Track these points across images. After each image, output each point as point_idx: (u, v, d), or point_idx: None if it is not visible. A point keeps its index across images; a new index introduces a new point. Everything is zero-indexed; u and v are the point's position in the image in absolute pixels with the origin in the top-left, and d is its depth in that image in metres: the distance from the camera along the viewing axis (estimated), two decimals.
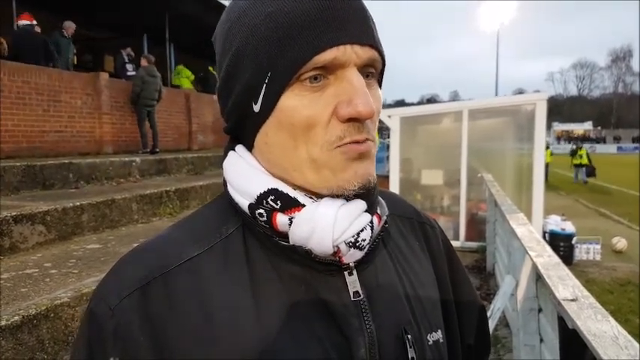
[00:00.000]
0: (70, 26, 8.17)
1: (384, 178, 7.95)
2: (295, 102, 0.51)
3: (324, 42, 0.50)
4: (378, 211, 0.60)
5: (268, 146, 0.55)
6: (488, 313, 3.33)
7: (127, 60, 9.55)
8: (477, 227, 7.48)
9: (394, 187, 7.84)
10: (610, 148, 57.72)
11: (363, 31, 0.52)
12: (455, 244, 7.49)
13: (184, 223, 0.61)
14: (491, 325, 3.25)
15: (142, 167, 6.49)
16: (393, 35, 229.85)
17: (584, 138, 59.30)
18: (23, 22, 7.28)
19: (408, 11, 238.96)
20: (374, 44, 0.53)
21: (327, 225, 0.52)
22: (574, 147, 21.95)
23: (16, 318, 2.17)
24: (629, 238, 8.25)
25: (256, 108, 0.53)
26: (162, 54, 11.92)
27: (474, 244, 7.31)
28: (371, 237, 0.56)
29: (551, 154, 21.34)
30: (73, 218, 3.97)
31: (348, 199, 0.54)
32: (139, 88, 7.81)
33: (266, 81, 0.52)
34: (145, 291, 0.51)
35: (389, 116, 7.85)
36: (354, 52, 0.51)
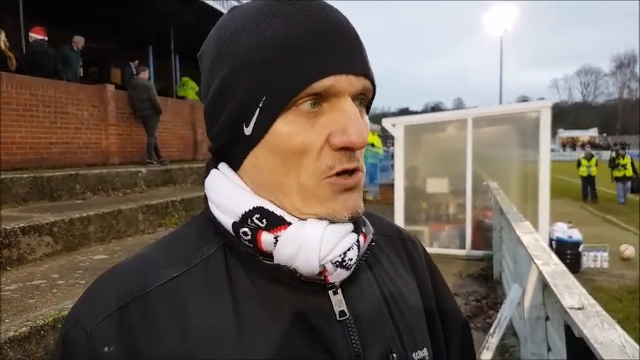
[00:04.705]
0: (79, 40, 8.48)
1: (389, 187, 7.93)
2: (289, 128, 0.51)
3: (322, 69, 0.50)
4: (364, 230, 0.59)
5: (258, 169, 0.54)
6: (496, 322, 3.31)
7: (134, 72, 9.65)
8: (483, 235, 7.43)
9: (399, 195, 7.83)
10: None
11: (359, 62, 0.53)
12: (461, 252, 7.49)
13: (164, 242, 0.59)
14: (499, 333, 3.23)
15: (147, 178, 6.52)
16: (397, 43, 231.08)
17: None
18: (36, 36, 7.36)
19: (412, 19, 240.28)
20: (368, 75, 0.54)
21: (314, 244, 0.51)
22: (613, 154, 15.96)
23: (24, 329, 2.19)
24: (637, 245, 8.18)
25: (247, 131, 0.53)
26: (167, 65, 12.02)
27: (479, 253, 7.27)
28: (357, 256, 0.55)
29: (596, 163, 15.87)
30: (80, 229, 4.00)
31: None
32: (130, 100, 8.12)
33: (260, 105, 0.51)
34: (123, 314, 0.50)
35: (393, 125, 7.85)
36: (349, 82, 0.51)
